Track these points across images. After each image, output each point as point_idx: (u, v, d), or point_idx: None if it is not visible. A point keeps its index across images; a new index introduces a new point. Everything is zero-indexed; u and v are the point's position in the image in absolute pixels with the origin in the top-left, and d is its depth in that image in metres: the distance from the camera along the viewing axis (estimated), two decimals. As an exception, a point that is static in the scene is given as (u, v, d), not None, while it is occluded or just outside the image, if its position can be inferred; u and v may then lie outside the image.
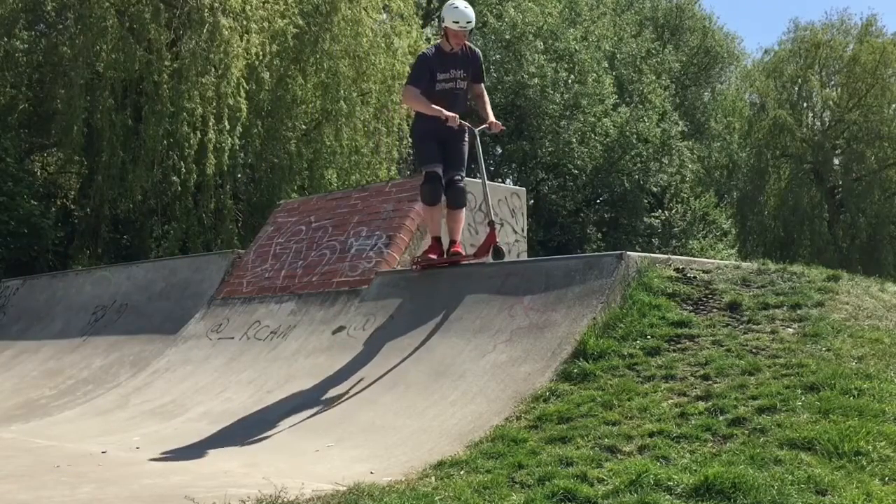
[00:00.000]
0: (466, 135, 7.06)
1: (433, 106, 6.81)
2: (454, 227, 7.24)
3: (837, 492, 3.61)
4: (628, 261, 6.15)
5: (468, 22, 6.83)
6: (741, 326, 5.53)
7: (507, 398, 5.35)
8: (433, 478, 4.37)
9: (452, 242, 7.25)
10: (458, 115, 6.87)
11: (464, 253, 7.36)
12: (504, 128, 7.33)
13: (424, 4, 24.89)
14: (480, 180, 7.27)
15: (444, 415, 5.46)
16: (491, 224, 7.14)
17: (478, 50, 7.28)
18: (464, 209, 7.31)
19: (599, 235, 26.99)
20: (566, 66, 25.46)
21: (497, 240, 7.08)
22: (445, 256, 7.24)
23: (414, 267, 7.46)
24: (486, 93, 7.32)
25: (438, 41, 7.19)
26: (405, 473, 4.55)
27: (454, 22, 6.80)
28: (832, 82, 34.04)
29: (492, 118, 7.17)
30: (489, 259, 7.09)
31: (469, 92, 7.17)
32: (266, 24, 15.59)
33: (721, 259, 12.30)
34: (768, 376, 4.81)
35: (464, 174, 7.18)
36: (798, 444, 4.03)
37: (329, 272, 8.19)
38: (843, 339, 5.19)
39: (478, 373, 5.80)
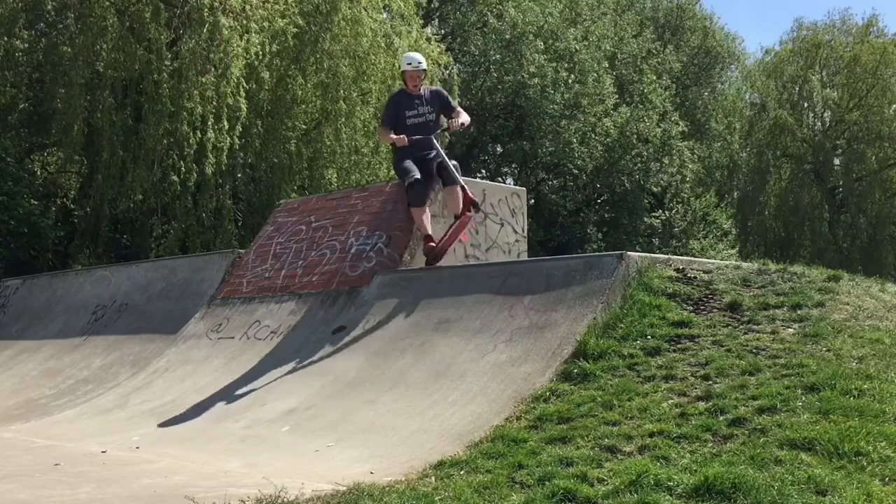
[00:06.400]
0: (431, 146, 7.84)
1: (390, 136, 7.81)
2: (454, 202, 7.84)
3: (837, 492, 3.60)
4: (628, 261, 6.16)
5: (419, 63, 7.95)
6: (741, 327, 5.53)
7: (507, 398, 5.34)
8: (433, 478, 4.37)
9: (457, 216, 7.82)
10: (404, 136, 7.74)
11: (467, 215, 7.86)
12: (461, 124, 7.94)
13: (424, 4, 24.83)
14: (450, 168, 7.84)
15: (445, 415, 5.46)
16: (462, 188, 7.75)
17: (441, 89, 8.45)
18: (457, 185, 7.83)
19: (600, 235, 26.93)
20: (566, 65, 25.39)
21: (471, 194, 7.75)
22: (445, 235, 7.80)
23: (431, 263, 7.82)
24: (461, 113, 8.03)
25: (401, 87, 8.20)
26: (405, 473, 4.54)
27: (407, 64, 7.95)
28: (833, 82, 34.02)
29: (454, 123, 7.90)
30: (472, 214, 7.81)
31: (442, 124, 8.08)
32: (266, 24, 15.55)
33: (721, 259, 12.29)
34: (768, 376, 4.81)
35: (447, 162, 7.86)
36: (798, 445, 4.03)
37: (329, 272, 8.18)
38: (843, 339, 5.19)
39: (478, 373, 5.80)
